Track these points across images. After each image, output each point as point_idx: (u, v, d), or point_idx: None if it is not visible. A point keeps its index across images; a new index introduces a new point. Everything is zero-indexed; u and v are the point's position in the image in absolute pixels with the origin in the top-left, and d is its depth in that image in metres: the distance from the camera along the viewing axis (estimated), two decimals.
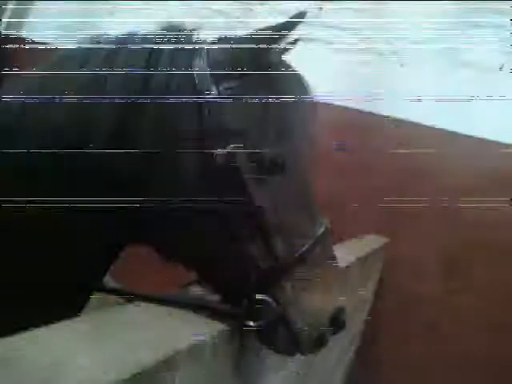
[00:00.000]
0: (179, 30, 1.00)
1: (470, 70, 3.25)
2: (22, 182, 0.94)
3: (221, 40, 1.01)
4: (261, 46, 0.93)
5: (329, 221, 0.98)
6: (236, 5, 3.90)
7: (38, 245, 0.96)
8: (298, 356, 0.98)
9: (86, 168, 0.93)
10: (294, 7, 1.09)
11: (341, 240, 2.20)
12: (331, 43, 3.63)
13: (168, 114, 0.91)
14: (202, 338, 0.71)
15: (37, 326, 0.58)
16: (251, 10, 3.86)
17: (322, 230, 0.95)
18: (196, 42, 0.99)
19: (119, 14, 4.32)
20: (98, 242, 1.00)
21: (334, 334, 0.95)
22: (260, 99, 0.92)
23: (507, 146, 3.09)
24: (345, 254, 1.82)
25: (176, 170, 0.91)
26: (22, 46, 4.48)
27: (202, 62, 0.94)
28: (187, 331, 0.72)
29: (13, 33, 4.70)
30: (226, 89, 0.92)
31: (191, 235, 0.93)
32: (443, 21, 3.36)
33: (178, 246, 0.96)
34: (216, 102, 0.91)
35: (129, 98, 0.92)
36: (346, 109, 3.46)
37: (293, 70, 1.02)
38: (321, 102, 1.09)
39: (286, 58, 1.05)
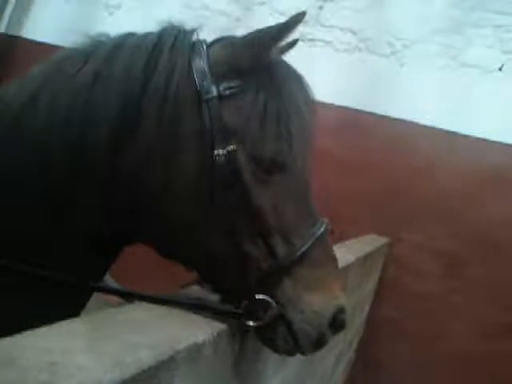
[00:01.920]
0: (179, 30, 1.00)
1: (470, 69, 3.25)
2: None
3: (221, 40, 1.01)
4: (261, 46, 0.93)
5: (328, 221, 0.98)
6: (236, 5, 3.90)
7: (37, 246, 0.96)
8: (298, 356, 0.98)
9: (86, 166, 0.93)
10: (294, 7, 1.09)
11: (341, 240, 2.21)
12: (331, 43, 3.63)
13: (168, 114, 0.91)
14: (201, 337, 0.71)
15: (37, 326, 0.58)
16: (251, 10, 3.86)
17: (321, 229, 0.95)
18: (196, 42, 0.99)
19: (119, 14, 4.33)
20: (97, 241, 1.00)
21: (334, 333, 0.95)
22: (260, 99, 0.92)
23: (507, 145, 3.09)
24: (345, 253, 1.83)
25: (176, 170, 0.91)
26: (21, 45, 4.48)
27: (201, 63, 0.94)
28: (187, 331, 0.72)
29: (13, 33, 4.70)
30: (226, 89, 0.92)
31: (191, 235, 0.93)
32: (443, 21, 3.36)
33: (178, 245, 0.96)
34: (216, 101, 0.91)
35: (129, 99, 0.92)
36: (345, 109, 3.46)
37: (293, 70, 1.02)
38: (321, 101, 1.09)
39: (285, 58, 1.05)
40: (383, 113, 3.40)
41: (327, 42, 3.63)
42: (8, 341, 0.52)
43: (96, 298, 1.09)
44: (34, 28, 4.63)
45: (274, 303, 0.88)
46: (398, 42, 3.46)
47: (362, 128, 3.42)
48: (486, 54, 3.23)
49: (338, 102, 3.41)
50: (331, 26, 3.64)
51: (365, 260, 2.24)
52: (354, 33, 3.58)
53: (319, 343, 0.94)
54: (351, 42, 3.58)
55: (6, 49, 4.60)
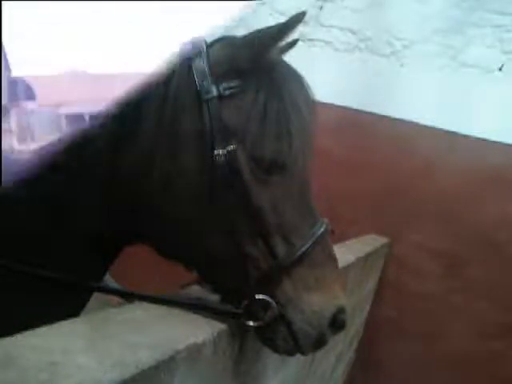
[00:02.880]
0: None
1: (469, 69, 3.25)
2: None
3: (221, 40, 1.01)
4: (261, 46, 0.93)
5: (328, 221, 0.98)
6: (236, 5, 3.90)
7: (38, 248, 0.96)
8: (298, 356, 0.98)
9: (86, 166, 0.93)
10: (294, 7, 1.09)
11: (341, 240, 2.21)
12: (331, 43, 3.63)
13: (168, 114, 0.91)
14: (201, 337, 0.71)
15: (37, 325, 0.58)
16: (252, 9, 3.86)
17: (321, 229, 0.95)
18: (196, 42, 0.99)
19: None
20: (97, 241, 1.00)
21: (334, 333, 0.95)
22: (260, 99, 0.92)
23: (507, 145, 3.09)
24: (345, 253, 1.83)
25: (176, 171, 0.91)
26: None
27: (201, 63, 0.94)
28: (187, 331, 0.72)
29: None
30: (226, 89, 0.92)
31: (191, 235, 0.93)
32: (443, 21, 3.36)
33: (178, 245, 0.96)
34: (216, 101, 0.91)
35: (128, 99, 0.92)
36: (345, 109, 3.46)
37: (293, 70, 1.02)
38: (321, 102, 1.09)
39: (286, 58, 1.05)
40: (383, 113, 3.39)
41: (327, 42, 3.63)
42: (8, 341, 0.52)
43: (96, 297, 1.09)
44: None
45: (273, 303, 0.88)
46: (398, 42, 3.46)
47: (362, 128, 3.42)
48: (485, 54, 3.22)
49: (338, 102, 3.41)
50: (331, 26, 3.63)
51: (365, 260, 2.24)
52: (353, 33, 3.58)
53: (319, 343, 0.94)
54: (351, 41, 3.58)
55: None
